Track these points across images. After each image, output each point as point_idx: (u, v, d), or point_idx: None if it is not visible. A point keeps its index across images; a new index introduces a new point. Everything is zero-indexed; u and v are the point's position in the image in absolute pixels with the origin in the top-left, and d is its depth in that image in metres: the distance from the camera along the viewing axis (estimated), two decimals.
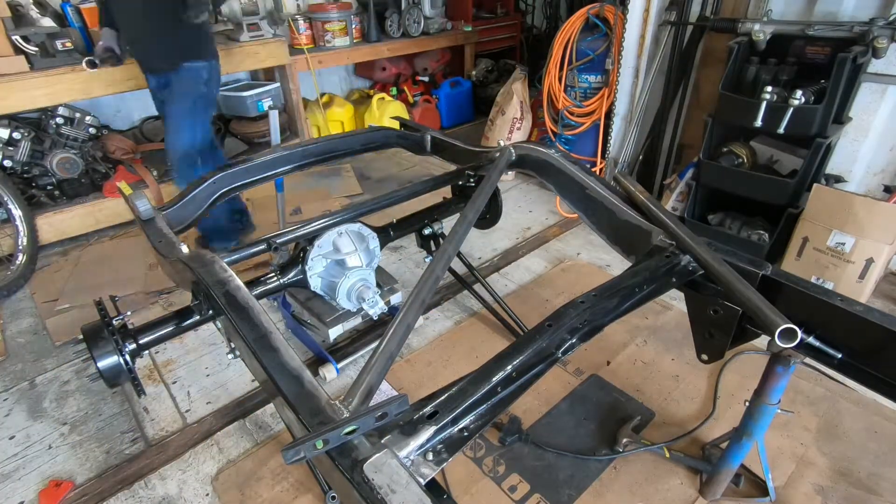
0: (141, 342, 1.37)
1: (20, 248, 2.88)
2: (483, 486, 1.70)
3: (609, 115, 3.40)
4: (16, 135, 2.95)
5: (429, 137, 2.39)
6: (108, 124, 3.68)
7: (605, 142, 3.48)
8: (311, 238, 1.79)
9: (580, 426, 1.89)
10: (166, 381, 2.21)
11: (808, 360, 1.20)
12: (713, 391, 2.02)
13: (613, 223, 1.56)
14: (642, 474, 1.71)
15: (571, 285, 2.69)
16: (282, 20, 3.69)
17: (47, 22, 2.97)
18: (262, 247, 1.62)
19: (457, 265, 2.50)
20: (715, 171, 2.69)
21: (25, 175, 3.07)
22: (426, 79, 5.15)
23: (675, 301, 2.50)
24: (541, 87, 3.67)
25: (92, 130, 3.32)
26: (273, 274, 1.79)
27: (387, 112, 4.38)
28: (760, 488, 1.63)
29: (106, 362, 1.26)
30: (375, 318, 2.02)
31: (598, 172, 3.04)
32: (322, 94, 4.45)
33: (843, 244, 2.34)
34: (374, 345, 1.41)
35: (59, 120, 3.14)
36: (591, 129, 3.51)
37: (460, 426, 0.89)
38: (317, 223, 1.75)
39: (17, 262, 2.86)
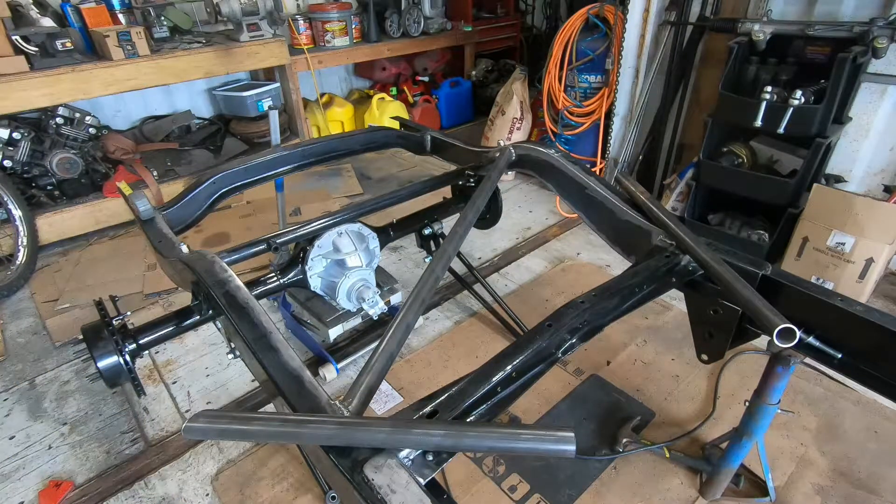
0: (141, 342, 1.37)
1: (20, 248, 2.88)
2: (483, 486, 1.70)
3: (609, 115, 3.40)
4: (16, 135, 2.95)
5: (429, 137, 2.39)
6: (108, 124, 3.68)
7: (605, 142, 3.47)
8: (311, 238, 1.79)
9: (580, 426, 1.89)
10: (166, 381, 2.21)
11: (808, 360, 1.20)
12: (713, 391, 2.02)
13: (613, 223, 1.56)
14: (642, 474, 1.71)
15: (571, 285, 2.69)
16: (282, 20, 3.69)
17: (47, 22, 2.97)
18: (262, 247, 1.62)
19: (457, 265, 2.50)
20: (715, 171, 2.69)
21: (25, 175, 3.07)
22: (426, 79, 5.15)
23: (675, 301, 2.50)
24: (541, 87, 3.66)
25: (92, 130, 3.33)
26: (273, 274, 1.79)
27: (387, 112, 4.38)
28: (760, 488, 1.63)
29: (106, 362, 1.27)
30: (375, 318, 2.02)
31: (598, 172, 3.04)
32: (322, 94, 4.45)
33: (843, 244, 2.34)
34: (374, 345, 1.41)
35: (59, 120, 3.14)
36: (591, 129, 3.51)
37: None
38: (317, 223, 1.75)
39: (17, 263, 2.86)
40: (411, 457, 0.82)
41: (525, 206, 3.58)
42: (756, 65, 2.54)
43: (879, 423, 1.87)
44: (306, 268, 1.80)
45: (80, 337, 1.30)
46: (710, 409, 1.93)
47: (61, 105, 3.11)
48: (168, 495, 1.74)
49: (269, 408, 2.03)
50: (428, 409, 0.90)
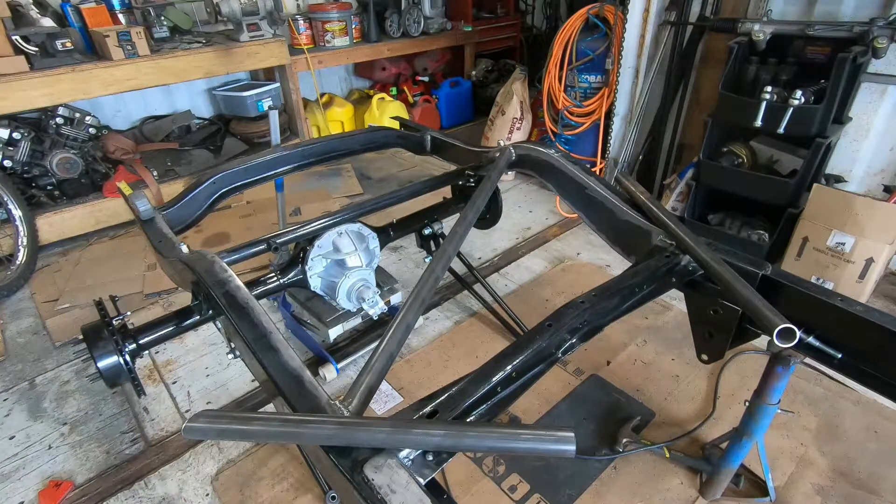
0: (141, 342, 1.37)
1: (20, 248, 2.88)
2: (483, 486, 1.70)
3: (609, 115, 3.40)
4: (16, 135, 2.95)
5: (429, 137, 2.39)
6: (108, 124, 3.68)
7: (605, 142, 3.48)
8: (311, 238, 1.79)
9: (580, 426, 1.89)
10: (166, 381, 2.21)
11: (808, 360, 1.20)
12: (713, 391, 2.02)
13: (613, 223, 1.56)
14: (642, 474, 1.71)
15: (571, 285, 2.69)
16: (282, 20, 3.69)
17: (47, 22, 2.97)
18: (262, 247, 1.62)
19: (457, 265, 2.50)
20: (715, 171, 2.69)
21: (25, 175, 3.07)
22: (426, 79, 5.15)
23: (675, 301, 2.50)
24: (541, 87, 3.67)
25: (92, 130, 3.33)
26: (273, 274, 1.79)
27: (387, 112, 4.38)
28: (760, 488, 1.63)
29: (106, 362, 1.26)
30: (375, 318, 2.02)
31: (598, 172, 3.04)
32: (322, 94, 4.45)
33: (843, 244, 2.34)
34: (374, 345, 1.41)
35: (59, 120, 3.14)
36: (591, 129, 3.51)
37: None
38: (317, 223, 1.75)
39: (17, 263, 2.86)
40: (411, 457, 0.82)
41: (525, 206, 3.58)
42: (756, 65, 2.54)
43: (879, 423, 1.87)
44: (306, 268, 1.80)
45: (80, 337, 1.30)
46: (710, 409, 1.93)
47: (61, 105, 3.11)
48: (168, 495, 1.74)
49: (269, 408, 2.03)
50: (428, 409, 0.90)
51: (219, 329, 1.42)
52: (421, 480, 0.78)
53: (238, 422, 0.83)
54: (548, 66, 3.51)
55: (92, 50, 3.20)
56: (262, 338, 1.06)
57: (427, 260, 2.30)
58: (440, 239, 2.24)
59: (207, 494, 1.74)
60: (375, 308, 1.90)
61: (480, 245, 3.12)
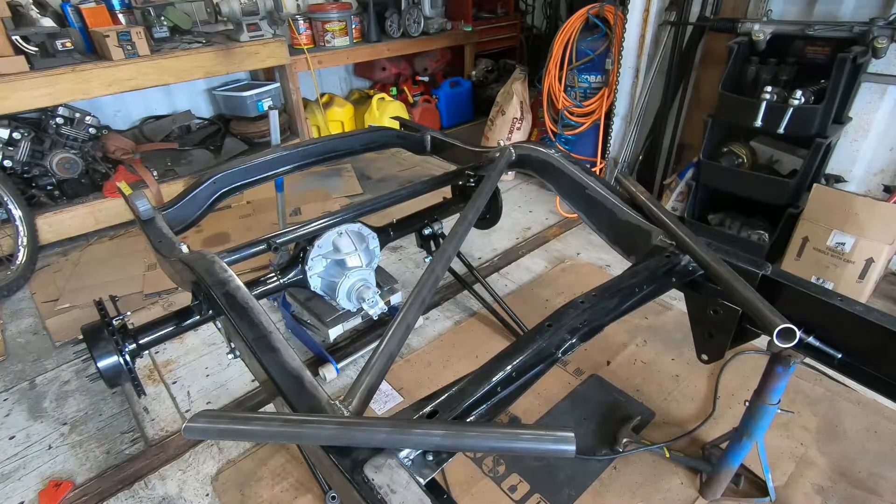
0: (141, 342, 1.38)
1: (20, 248, 2.88)
2: (483, 486, 1.70)
3: (609, 115, 3.40)
4: (16, 135, 2.95)
5: (429, 137, 2.39)
6: (108, 124, 3.68)
7: (605, 142, 3.48)
8: (311, 238, 1.79)
9: (580, 426, 1.89)
10: (166, 381, 2.21)
11: (808, 360, 1.20)
12: (713, 391, 2.02)
13: (613, 223, 1.56)
14: (642, 474, 1.71)
15: (571, 285, 2.69)
16: (282, 20, 3.69)
17: (47, 22, 2.97)
18: (262, 247, 1.62)
19: (457, 265, 2.50)
20: (715, 171, 2.69)
21: (25, 175, 3.07)
22: (426, 79, 5.15)
23: (675, 301, 2.50)
24: (541, 87, 3.67)
25: (92, 130, 3.33)
26: (273, 274, 1.79)
27: (387, 112, 4.38)
28: (760, 488, 1.63)
29: (106, 362, 1.27)
30: (375, 318, 2.02)
31: (598, 172, 3.04)
32: (322, 94, 4.45)
33: (843, 244, 2.34)
34: (374, 345, 1.41)
35: (59, 120, 3.14)
36: (591, 129, 3.51)
37: None
38: (317, 223, 1.75)
39: (17, 263, 2.86)
40: (411, 457, 0.82)
41: (525, 206, 3.58)
42: (756, 65, 2.54)
43: (879, 423, 1.87)
44: (306, 268, 1.80)
45: (80, 337, 1.30)
46: (710, 409, 1.93)
47: (61, 105, 3.11)
48: (168, 495, 1.74)
49: (269, 408, 2.03)
50: (428, 409, 0.90)
51: (219, 329, 1.42)
52: (421, 480, 0.78)
53: (238, 422, 0.83)
54: (548, 66, 3.51)
55: (92, 50, 3.20)
56: (262, 338, 1.06)
57: (427, 260, 2.30)
58: (440, 239, 2.24)
59: (207, 494, 1.74)
60: (375, 308, 1.90)
61: (480, 245, 3.12)
